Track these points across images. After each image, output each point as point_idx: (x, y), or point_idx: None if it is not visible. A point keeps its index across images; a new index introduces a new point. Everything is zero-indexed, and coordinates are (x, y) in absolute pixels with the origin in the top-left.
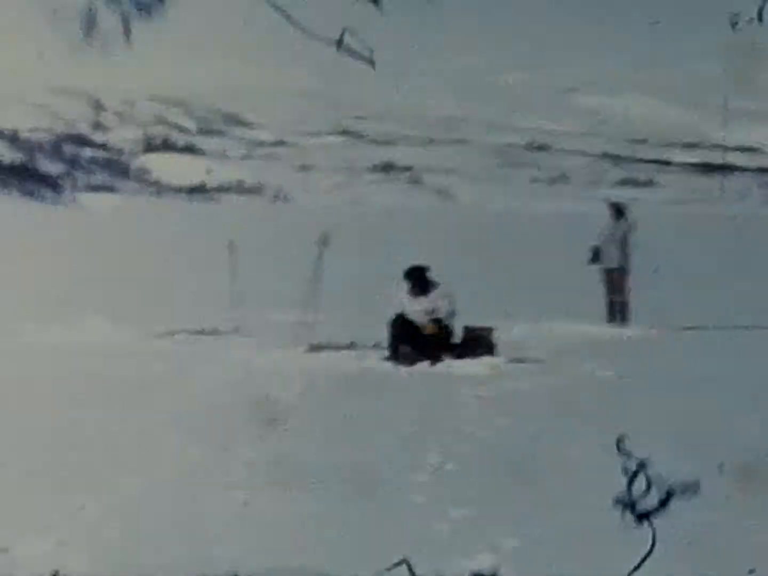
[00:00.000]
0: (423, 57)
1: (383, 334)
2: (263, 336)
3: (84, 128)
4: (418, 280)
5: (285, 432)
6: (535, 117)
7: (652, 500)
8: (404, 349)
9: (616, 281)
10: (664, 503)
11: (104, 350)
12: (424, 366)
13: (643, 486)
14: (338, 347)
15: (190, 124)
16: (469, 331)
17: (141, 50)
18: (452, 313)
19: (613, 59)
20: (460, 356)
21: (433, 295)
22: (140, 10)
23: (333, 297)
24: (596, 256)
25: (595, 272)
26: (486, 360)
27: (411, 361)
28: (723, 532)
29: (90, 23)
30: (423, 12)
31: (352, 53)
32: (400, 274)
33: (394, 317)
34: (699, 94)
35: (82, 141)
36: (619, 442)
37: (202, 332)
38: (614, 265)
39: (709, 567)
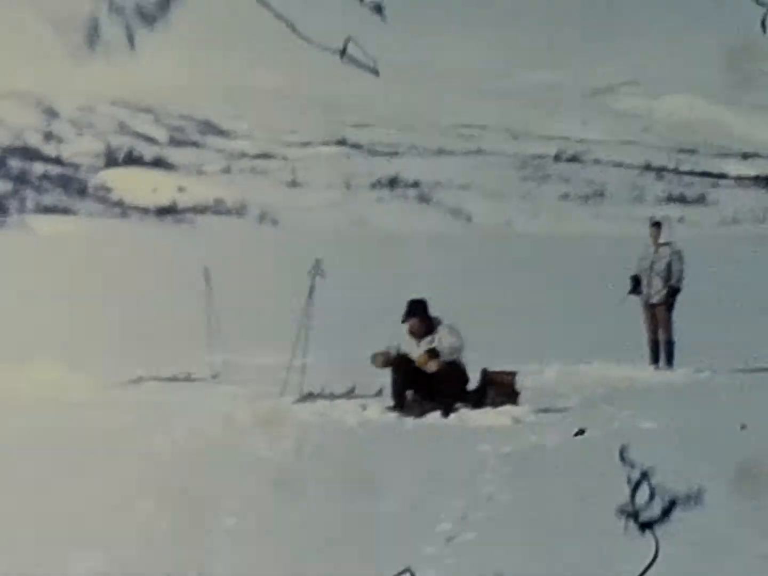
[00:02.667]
0: (433, 57)
1: (386, 380)
2: (246, 383)
3: (34, 139)
4: (420, 316)
5: (272, 498)
6: (565, 123)
7: (655, 509)
8: (411, 396)
9: (659, 317)
10: (667, 512)
11: (58, 402)
12: (434, 417)
13: (646, 495)
14: (334, 395)
15: (159, 134)
16: (487, 375)
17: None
18: (455, 349)
19: (655, 54)
20: (477, 405)
21: (439, 333)
22: (144, 20)
23: (327, 336)
24: (636, 286)
25: (635, 305)
26: (507, 409)
27: (419, 411)
28: (726, 541)
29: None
30: (431, 11)
31: (356, 62)
32: (404, 308)
33: (397, 359)
34: (757, 95)
35: (31, 154)
36: (622, 452)
37: (173, 379)
38: (657, 298)
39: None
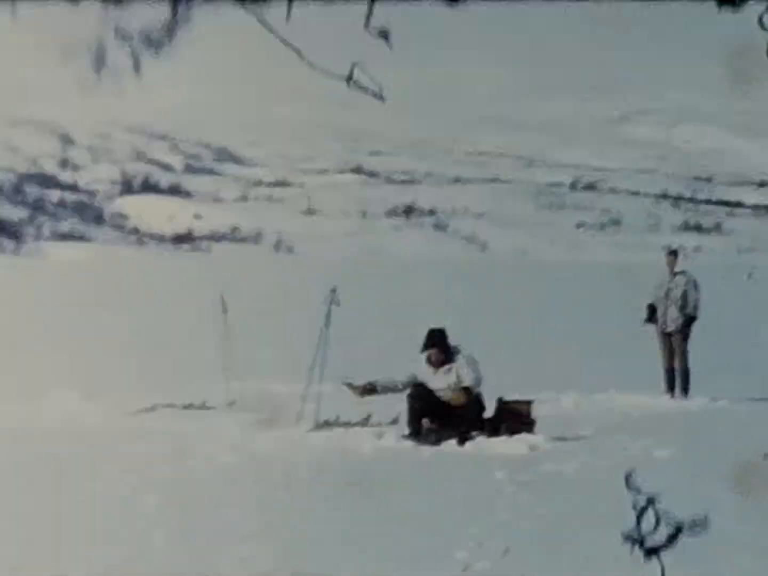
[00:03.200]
0: (450, 85)
1: (402, 408)
2: (261, 411)
3: (50, 166)
4: (438, 345)
5: (288, 526)
6: (581, 151)
7: (660, 536)
8: (427, 425)
9: (675, 345)
10: (672, 538)
11: (73, 431)
12: (450, 445)
13: (653, 521)
14: (349, 424)
15: (175, 161)
16: (503, 404)
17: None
18: (479, 381)
19: (672, 83)
20: (493, 434)
21: (457, 362)
22: (149, 47)
23: (343, 364)
24: (652, 315)
25: (651, 334)
26: (524, 438)
27: (435, 439)
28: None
29: (99, 57)
30: (444, 31)
31: (362, 88)
32: (421, 337)
33: (413, 388)
34: None
35: (47, 181)
36: (627, 478)
37: (189, 407)
38: (673, 327)
39: None
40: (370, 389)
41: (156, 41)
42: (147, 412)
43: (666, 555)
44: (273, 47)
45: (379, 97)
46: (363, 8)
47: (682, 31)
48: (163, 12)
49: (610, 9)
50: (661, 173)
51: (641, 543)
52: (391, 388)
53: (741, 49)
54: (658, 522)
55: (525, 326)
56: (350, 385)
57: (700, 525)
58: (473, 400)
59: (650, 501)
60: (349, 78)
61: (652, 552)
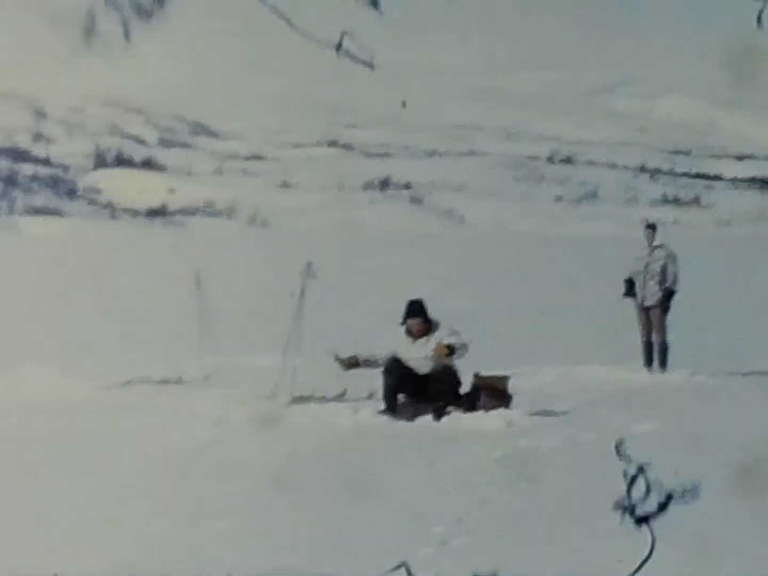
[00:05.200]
0: (426, 56)
1: (378, 383)
2: (237, 386)
3: (23, 140)
4: (419, 316)
5: (265, 500)
6: (559, 124)
7: (651, 503)
8: (403, 400)
9: (654, 319)
10: (663, 507)
11: (50, 405)
12: (426, 421)
13: (643, 489)
14: (326, 399)
15: (149, 135)
16: (480, 379)
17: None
18: (466, 347)
19: (651, 54)
20: (469, 409)
21: (437, 334)
22: (140, 15)
23: (319, 338)
24: (631, 288)
25: (630, 307)
26: (500, 413)
27: (411, 414)
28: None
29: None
30: (424, 5)
31: (352, 57)
32: (399, 310)
33: (389, 363)
34: (754, 97)
35: (20, 155)
36: (618, 446)
37: (165, 382)
38: (652, 301)
39: (708, 570)
40: (354, 363)
41: (145, 9)
42: (122, 386)
43: (656, 524)
44: (255, 22)
45: (370, 65)
46: None
47: (662, 4)
48: None
49: None
50: (640, 146)
51: (632, 511)
52: (371, 363)
53: (727, 26)
54: (648, 490)
55: (502, 300)
56: (337, 357)
57: (691, 493)
58: (442, 370)
59: (641, 469)
60: (339, 46)
61: (642, 520)
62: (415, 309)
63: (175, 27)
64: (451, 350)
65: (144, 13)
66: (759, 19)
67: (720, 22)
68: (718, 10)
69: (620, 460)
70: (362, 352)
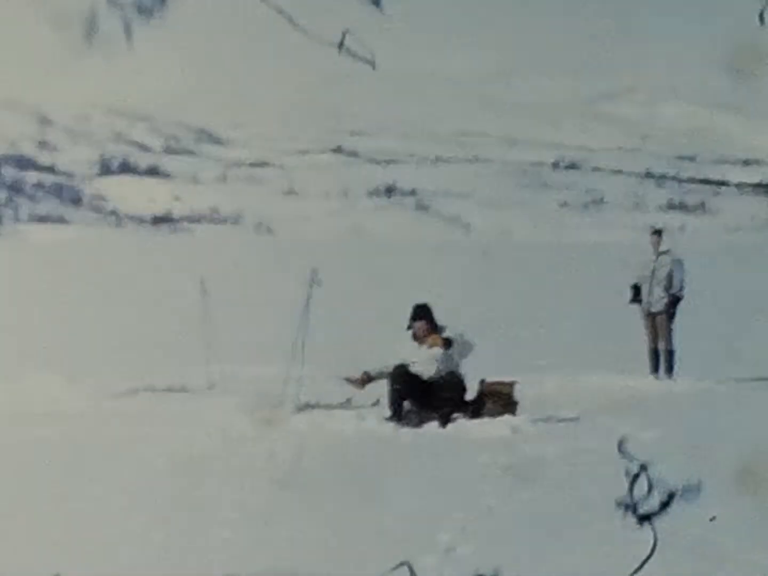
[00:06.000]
0: (429, 62)
1: (383, 390)
2: (243, 394)
3: (27, 147)
4: (425, 319)
5: (270, 508)
6: (564, 130)
7: (653, 502)
8: (408, 407)
9: (660, 326)
10: (665, 505)
11: (55, 414)
12: (432, 427)
13: (645, 488)
14: (331, 406)
15: (154, 142)
16: (485, 385)
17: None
18: (470, 345)
19: (655, 61)
20: (474, 415)
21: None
22: (142, 13)
23: (324, 346)
24: (637, 295)
25: (636, 314)
26: (506, 420)
27: (417, 421)
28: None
29: (91, 27)
30: (428, 12)
31: (354, 55)
32: (404, 317)
33: (395, 369)
34: (758, 101)
35: (25, 163)
36: (620, 444)
37: (170, 390)
38: (658, 307)
39: (709, 568)
40: (366, 379)
41: (147, 9)
42: (127, 395)
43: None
44: (258, 26)
45: (371, 63)
46: None
47: (666, 11)
48: None
49: None
50: (645, 152)
51: (634, 509)
52: (383, 375)
53: (731, 31)
54: (650, 489)
55: (508, 307)
56: (348, 380)
57: (693, 491)
58: (447, 376)
59: (643, 467)
60: (341, 45)
61: (644, 519)
62: (421, 312)
63: (179, 34)
64: (447, 342)
65: (145, 11)
66: (761, 18)
67: (722, 25)
68: (719, 14)
69: (623, 458)
70: (372, 368)
